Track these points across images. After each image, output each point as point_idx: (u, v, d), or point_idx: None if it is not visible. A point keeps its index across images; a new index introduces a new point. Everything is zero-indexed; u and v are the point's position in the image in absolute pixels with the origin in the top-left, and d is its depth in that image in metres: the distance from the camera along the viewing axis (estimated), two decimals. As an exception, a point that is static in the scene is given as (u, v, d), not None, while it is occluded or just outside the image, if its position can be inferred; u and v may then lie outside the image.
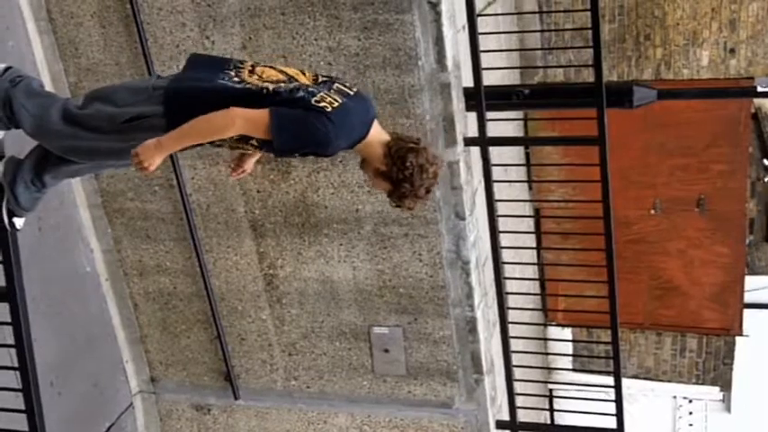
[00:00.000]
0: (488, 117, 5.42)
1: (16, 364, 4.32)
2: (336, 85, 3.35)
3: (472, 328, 6.02)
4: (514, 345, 6.24)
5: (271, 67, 3.43)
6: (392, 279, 6.00)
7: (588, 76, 5.24)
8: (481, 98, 5.34)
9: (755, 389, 9.23)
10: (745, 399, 9.23)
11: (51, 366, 5.77)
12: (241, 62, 3.46)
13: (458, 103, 5.33)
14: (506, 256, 6.02)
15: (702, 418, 9.43)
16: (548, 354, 8.18)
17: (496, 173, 5.70)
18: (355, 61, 5.28)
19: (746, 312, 7.72)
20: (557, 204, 6.83)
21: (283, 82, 3.29)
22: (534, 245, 7.09)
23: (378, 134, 3.34)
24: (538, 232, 7.17)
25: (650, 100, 5.53)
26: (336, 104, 3.16)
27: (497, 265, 5.93)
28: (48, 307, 5.79)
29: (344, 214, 5.84)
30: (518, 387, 6.33)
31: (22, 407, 4.38)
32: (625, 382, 6.37)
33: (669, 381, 9.02)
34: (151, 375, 6.85)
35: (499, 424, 6.39)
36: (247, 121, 3.12)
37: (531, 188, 7.21)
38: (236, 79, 3.30)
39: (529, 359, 6.86)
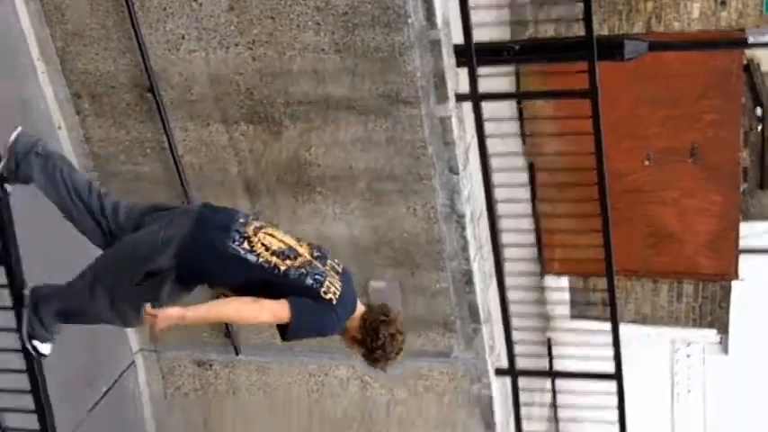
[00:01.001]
0: (479, 73, 5.40)
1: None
2: (329, 261, 3.68)
3: (468, 281, 6.06)
4: (512, 295, 6.30)
5: (271, 234, 3.64)
6: (387, 234, 6.03)
7: (579, 30, 5.21)
8: (472, 54, 5.31)
9: (751, 330, 9.31)
10: (741, 340, 9.32)
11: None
12: (244, 222, 3.64)
13: (448, 59, 5.30)
14: (501, 209, 6.04)
15: (700, 360, 9.54)
16: (545, 303, 8.24)
17: (489, 127, 5.69)
18: (344, 20, 5.23)
19: (742, 257, 7.77)
20: (550, 157, 6.83)
21: (288, 258, 3.55)
22: (529, 197, 7.11)
23: (358, 308, 3.72)
24: (532, 184, 7.18)
25: (641, 53, 5.50)
26: (338, 294, 3.56)
27: (492, 218, 5.95)
28: (44, 271, 5.81)
29: (338, 172, 5.84)
30: (516, 336, 6.40)
31: (24, 367, 4.43)
32: (622, 327, 6.44)
33: (666, 326, 9.10)
34: (151, 336, 6.91)
35: (498, 371, 6.48)
36: (273, 316, 3.48)
37: (524, 142, 7.20)
38: (246, 246, 3.53)
39: (526, 308, 6.92)
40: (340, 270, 3.70)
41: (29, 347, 3.93)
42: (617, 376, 6.33)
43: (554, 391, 8.17)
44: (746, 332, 9.27)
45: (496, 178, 5.89)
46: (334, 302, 3.53)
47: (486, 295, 6.27)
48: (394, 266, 6.19)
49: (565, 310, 8.56)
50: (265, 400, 6.93)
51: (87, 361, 6.40)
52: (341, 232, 6.11)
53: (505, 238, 6.16)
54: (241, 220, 3.65)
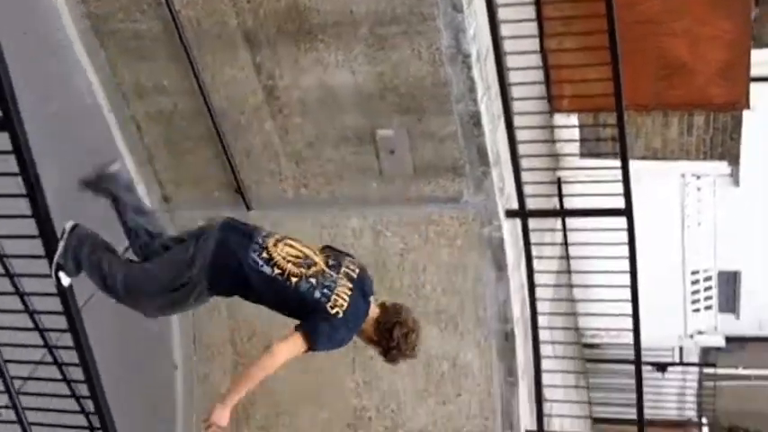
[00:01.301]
0: None
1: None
2: (344, 268, 3.85)
3: (476, 122, 6.01)
4: (520, 135, 6.25)
5: (291, 245, 3.84)
6: (393, 80, 5.93)
7: None
8: None
9: (763, 161, 9.27)
10: (752, 172, 9.30)
11: (62, 198, 5.80)
12: (266, 234, 3.86)
13: None
14: (508, 46, 5.91)
15: (711, 193, 9.54)
16: (554, 141, 8.18)
17: (492, -39, 5.49)
18: None
19: (753, 86, 7.63)
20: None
21: (302, 267, 3.76)
22: (536, 33, 6.93)
23: (372, 310, 3.90)
24: (539, 19, 6.98)
25: None
26: (345, 306, 3.73)
27: (499, 56, 5.83)
28: (51, 143, 5.74)
29: (339, 17, 5.69)
30: (526, 176, 6.38)
31: (36, 233, 4.41)
32: (633, 163, 6.41)
33: (677, 159, 9.06)
34: (163, 194, 6.93)
35: (508, 213, 6.50)
36: (290, 353, 3.71)
37: (529, -26, 6.97)
38: (264, 256, 3.75)
39: (536, 148, 6.88)
40: (355, 275, 3.87)
41: (52, 274, 4.04)
42: (627, 212, 6.35)
43: (565, 230, 8.22)
44: (758, 163, 9.24)
45: (502, 14, 5.73)
46: (340, 315, 3.73)
47: (494, 137, 6.22)
48: (400, 113, 6.12)
49: (574, 148, 8.51)
50: (280, 254, 7.00)
51: (100, 224, 6.41)
52: (345, 81, 6.01)
53: (513, 76, 6.05)
54: (264, 234, 3.87)
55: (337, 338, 3.78)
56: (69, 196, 5.86)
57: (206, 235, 3.84)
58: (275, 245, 3.78)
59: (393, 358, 3.88)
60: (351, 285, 3.81)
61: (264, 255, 3.74)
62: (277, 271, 3.72)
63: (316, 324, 3.72)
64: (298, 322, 3.78)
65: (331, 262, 3.85)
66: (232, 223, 3.91)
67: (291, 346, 3.71)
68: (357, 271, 3.89)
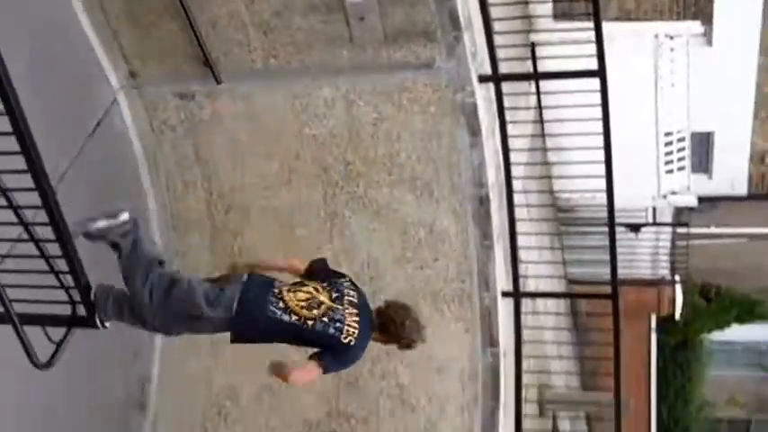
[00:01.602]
0: None
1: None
2: (346, 297, 4.27)
3: (447, -16, 5.88)
4: (492, -3, 6.14)
5: (298, 290, 4.26)
6: (359, -58, 5.76)
7: None
8: None
9: (736, 21, 9.20)
10: (725, 31, 9.24)
11: (27, 78, 5.69)
12: (279, 285, 4.25)
13: None
14: None
15: (684, 53, 9.48)
16: (527, 2, 8.04)
17: None
18: None
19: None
20: None
21: (314, 308, 4.19)
22: None
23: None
24: None
25: None
26: (356, 333, 4.21)
27: None
28: (13, 28, 5.59)
29: None
30: (499, 40, 6.30)
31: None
32: (606, 25, 6.34)
33: (650, 20, 8.97)
34: (130, 70, 6.81)
35: (482, 78, 6.45)
36: (312, 379, 4.26)
37: None
38: (281, 306, 4.17)
39: (508, 11, 6.77)
40: (356, 300, 4.30)
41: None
42: (600, 73, 6.31)
43: (538, 94, 8.19)
44: (731, 22, 9.18)
45: None
46: (353, 343, 4.21)
47: (466, 0, 6.10)
48: (369, -24, 5.98)
49: (548, 9, 8.39)
50: (252, 127, 6.95)
51: (69, 102, 6.33)
52: (310, -55, 5.85)
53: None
54: (277, 284, 4.29)
55: (348, 361, 4.34)
56: (33, 81, 5.79)
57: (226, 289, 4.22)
58: (288, 292, 4.22)
59: (407, 345, 4.35)
60: (356, 311, 4.26)
61: (281, 304, 4.17)
62: (294, 317, 4.16)
63: (327, 354, 4.21)
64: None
65: (334, 295, 4.28)
66: (249, 288, 4.25)
67: (312, 372, 4.22)
68: (356, 295, 4.33)
